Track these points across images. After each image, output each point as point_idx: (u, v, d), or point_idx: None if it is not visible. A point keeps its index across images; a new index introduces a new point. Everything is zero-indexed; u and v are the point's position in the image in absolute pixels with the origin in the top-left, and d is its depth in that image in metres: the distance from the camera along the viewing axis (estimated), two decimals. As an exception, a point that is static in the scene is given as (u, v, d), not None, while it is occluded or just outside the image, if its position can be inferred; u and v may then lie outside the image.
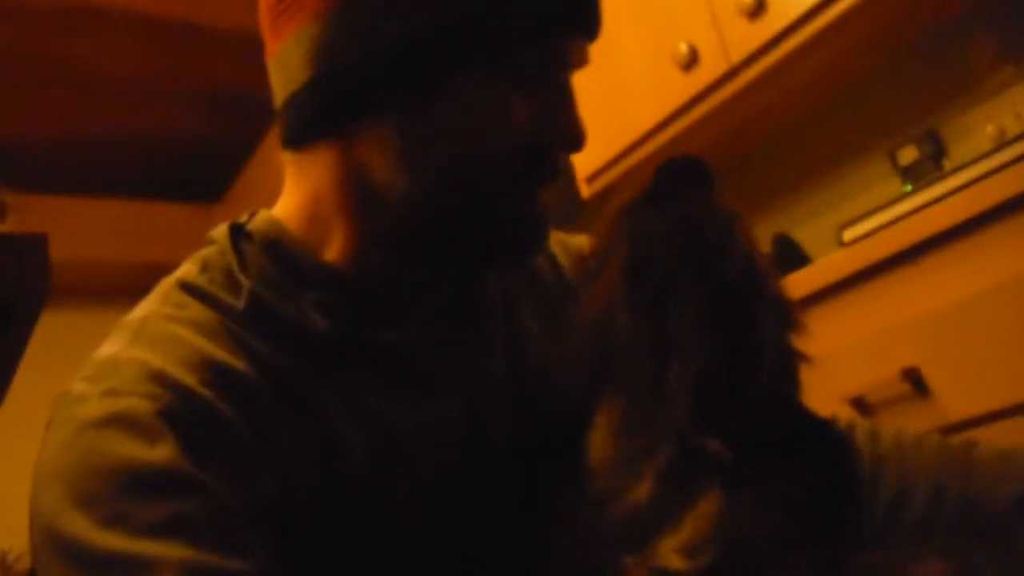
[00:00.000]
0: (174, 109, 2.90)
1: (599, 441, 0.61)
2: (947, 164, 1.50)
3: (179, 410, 0.56)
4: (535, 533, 0.66)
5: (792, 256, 1.67)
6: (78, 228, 3.07)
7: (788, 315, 0.65)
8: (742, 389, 0.59)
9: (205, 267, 0.66)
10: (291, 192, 0.69)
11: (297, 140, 0.67)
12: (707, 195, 0.64)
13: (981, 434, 1.04)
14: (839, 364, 1.17)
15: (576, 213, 1.94)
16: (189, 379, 0.57)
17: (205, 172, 3.24)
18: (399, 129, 0.62)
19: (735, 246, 0.61)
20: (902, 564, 0.60)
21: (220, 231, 0.68)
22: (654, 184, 0.65)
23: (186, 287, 0.64)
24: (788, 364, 0.64)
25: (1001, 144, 1.18)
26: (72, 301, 3.17)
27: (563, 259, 0.82)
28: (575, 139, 0.66)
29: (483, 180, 0.63)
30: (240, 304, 0.63)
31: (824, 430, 0.66)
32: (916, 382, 1.10)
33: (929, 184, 1.23)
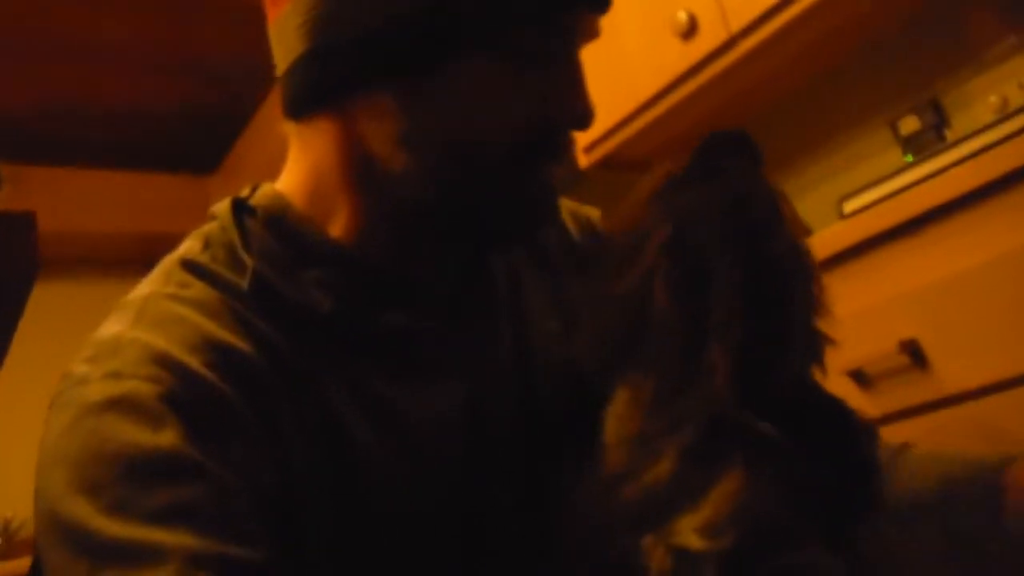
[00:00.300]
0: (169, 79, 2.86)
1: (618, 417, 0.60)
2: (949, 134, 1.49)
3: (183, 393, 0.55)
4: (540, 523, 0.65)
5: (791, 227, 1.66)
6: (73, 199, 3.05)
7: (818, 296, 0.64)
8: (777, 369, 0.58)
9: (207, 244, 0.64)
10: (294, 165, 0.68)
11: (297, 111, 0.65)
12: (754, 171, 0.62)
13: (979, 406, 1.04)
14: (838, 336, 1.17)
15: (573, 183, 1.93)
16: (193, 361, 0.56)
17: (200, 143, 3.21)
18: (397, 104, 0.61)
19: (782, 228, 0.60)
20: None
21: (222, 206, 0.67)
22: (698, 157, 0.63)
23: (189, 265, 0.63)
24: (816, 345, 0.63)
25: (1004, 116, 1.17)
26: (67, 273, 3.16)
27: (574, 230, 0.81)
28: (582, 117, 0.64)
29: (484, 159, 0.61)
30: (243, 283, 0.61)
31: (840, 410, 0.65)
32: (915, 354, 1.10)
33: (931, 155, 1.22)
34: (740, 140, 0.62)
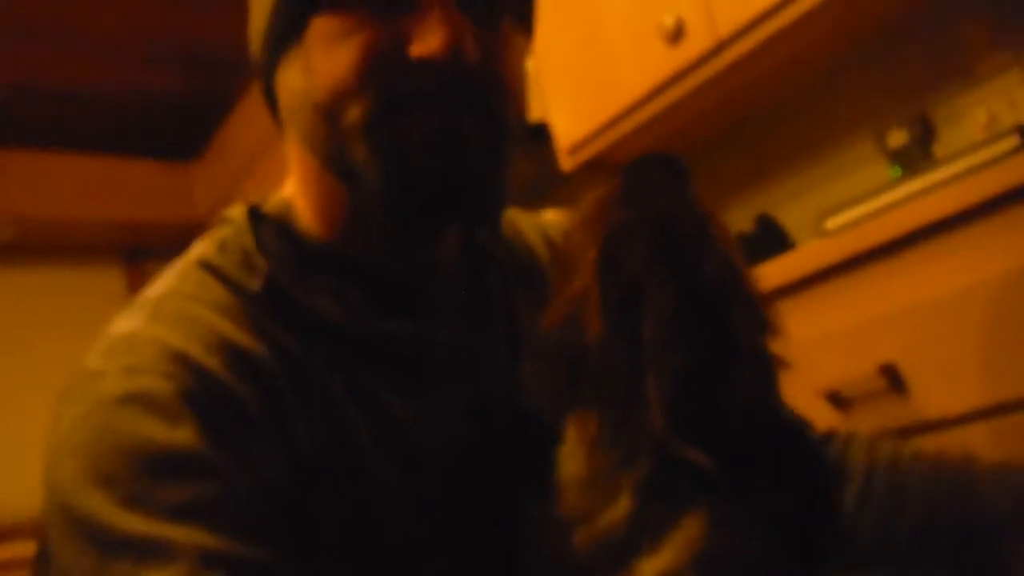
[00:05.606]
0: (151, 65, 2.83)
1: (569, 455, 0.58)
2: (937, 149, 1.46)
3: (199, 392, 0.55)
4: (507, 552, 0.64)
5: (775, 238, 1.64)
6: (53, 185, 3.02)
7: (764, 317, 0.62)
8: (721, 397, 0.56)
9: (223, 247, 0.65)
10: (290, 172, 0.69)
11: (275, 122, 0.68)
12: (681, 193, 0.60)
13: (958, 434, 1.03)
14: (816, 356, 1.15)
15: (554, 185, 1.89)
16: (209, 361, 0.56)
17: (182, 129, 3.17)
18: (279, 82, 0.63)
19: (711, 246, 0.58)
20: None
21: (237, 211, 0.67)
22: (627, 181, 0.61)
23: (205, 267, 0.63)
24: (766, 369, 0.61)
25: (994, 136, 1.14)
26: (47, 259, 3.13)
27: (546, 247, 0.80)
28: (440, 49, 0.58)
29: (351, 112, 0.59)
30: (256, 287, 0.62)
31: (801, 440, 0.63)
32: (893, 378, 1.08)
33: (918, 172, 1.19)
34: (667, 163, 0.61)
